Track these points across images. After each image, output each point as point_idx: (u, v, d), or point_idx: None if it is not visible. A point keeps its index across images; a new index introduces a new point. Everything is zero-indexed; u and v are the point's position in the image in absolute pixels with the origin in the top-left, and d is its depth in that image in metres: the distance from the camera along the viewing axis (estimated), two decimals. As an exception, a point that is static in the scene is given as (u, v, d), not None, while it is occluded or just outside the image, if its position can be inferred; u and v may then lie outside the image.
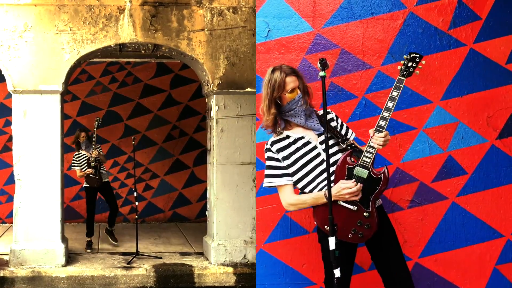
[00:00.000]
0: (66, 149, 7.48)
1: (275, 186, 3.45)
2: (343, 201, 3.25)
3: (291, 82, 3.30)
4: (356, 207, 3.25)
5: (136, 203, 7.59)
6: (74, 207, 10.26)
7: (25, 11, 6.72)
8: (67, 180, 7.92)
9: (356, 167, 3.24)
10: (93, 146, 7.83)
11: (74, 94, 10.34)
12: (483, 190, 4.48)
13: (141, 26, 6.84)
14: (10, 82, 6.71)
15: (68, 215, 9.24)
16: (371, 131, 3.26)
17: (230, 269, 6.76)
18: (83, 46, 6.76)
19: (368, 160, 3.22)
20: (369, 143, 3.23)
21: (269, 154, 3.43)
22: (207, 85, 7.11)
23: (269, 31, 4.52)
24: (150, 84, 10.61)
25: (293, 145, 3.38)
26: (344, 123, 3.54)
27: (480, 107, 4.49)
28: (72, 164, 8.01)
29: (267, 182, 3.45)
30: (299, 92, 3.33)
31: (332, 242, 2.97)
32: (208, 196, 7.39)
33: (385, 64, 4.49)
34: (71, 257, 7.15)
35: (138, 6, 6.85)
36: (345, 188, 3.20)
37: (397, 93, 3.23)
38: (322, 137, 3.36)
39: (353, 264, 3.49)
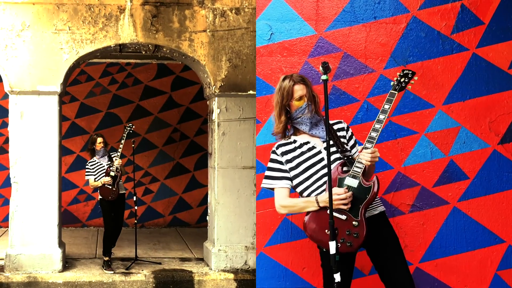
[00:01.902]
0: (64, 151, 7.57)
1: (272, 189, 3.66)
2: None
3: (299, 90, 3.55)
4: (346, 217, 3.41)
5: (136, 207, 7.68)
6: (72, 211, 10.41)
7: (23, 9, 6.84)
8: (64, 184, 7.99)
9: (347, 177, 3.44)
10: (118, 153, 7.33)
11: (73, 95, 10.49)
12: (484, 195, 4.64)
13: (141, 26, 6.97)
14: (7, 83, 6.83)
15: (65, 219, 9.42)
16: (359, 147, 3.48)
17: (231, 275, 6.89)
18: (82, 46, 6.89)
19: (358, 170, 3.41)
20: (358, 157, 3.42)
21: (273, 156, 3.67)
22: (209, 87, 7.23)
23: (271, 34, 4.70)
24: (150, 85, 10.77)
25: (298, 149, 3.62)
26: (353, 137, 3.72)
27: (482, 112, 4.67)
28: (86, 173, 7.38)
29: (266, 183, 3.68)
30: (306, 100, 3.56)
31: (332, 246, 3.13)
32: (209, 201, 7.51)
33: (387, 68, 4.68)
34: (68, 262, 7.26)
35: (139, 6, 6.98)
36: (335, 194, 3.37)
37: (389, 106, 3.45)
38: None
39: (353, 270, 3.64)
